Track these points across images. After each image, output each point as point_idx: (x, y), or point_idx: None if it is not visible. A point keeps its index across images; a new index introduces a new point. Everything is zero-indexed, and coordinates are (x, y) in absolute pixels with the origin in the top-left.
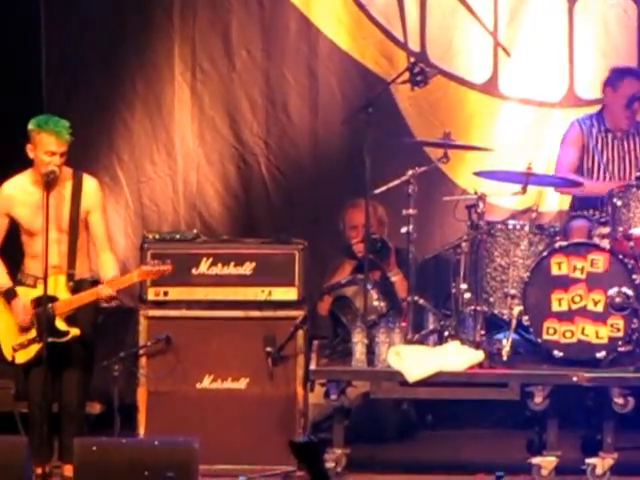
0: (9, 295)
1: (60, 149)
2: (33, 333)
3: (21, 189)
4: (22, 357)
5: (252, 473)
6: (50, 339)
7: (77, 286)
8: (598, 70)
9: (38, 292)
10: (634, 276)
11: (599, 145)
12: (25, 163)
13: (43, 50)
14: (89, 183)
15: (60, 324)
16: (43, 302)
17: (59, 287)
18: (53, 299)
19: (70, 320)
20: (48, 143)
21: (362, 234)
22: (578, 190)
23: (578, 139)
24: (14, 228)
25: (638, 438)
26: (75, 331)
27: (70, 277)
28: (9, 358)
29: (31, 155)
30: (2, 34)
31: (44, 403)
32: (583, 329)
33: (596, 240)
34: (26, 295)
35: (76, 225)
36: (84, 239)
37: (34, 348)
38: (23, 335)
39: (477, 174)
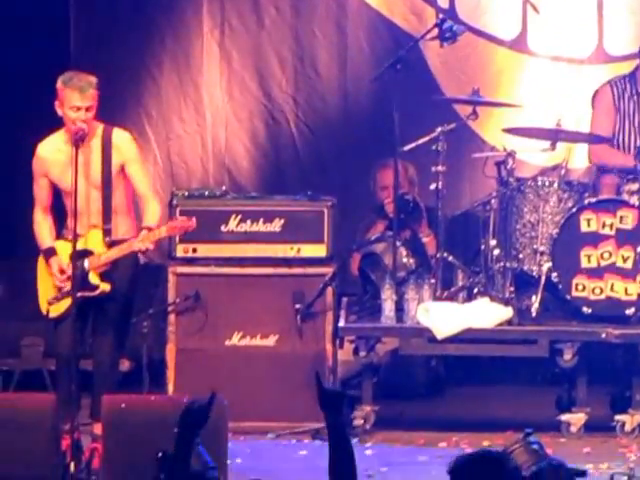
0: (48, 253)
1: (85, 103)
2: (68, 287)
3: (54, 149)
4: (55, 311)
5: (281, 430)
6: (81, 293)
7: (116, 244)
8: (627, 26)
9: (77, 247)
10: None
11: (632, 108)
12: (57, 122)
13: (72, 6)
14: (120, 136)
15: (93, 278)
16: (73, 257)
17: (96, 242)
18: (88, 253)
19: (107, 277)
20: (72, 98)
21: (393, 194)
22: (605, 159)
23: (611, 103)
24: None
25: None
26: (105, 286)
27: (107, 232)
28: (44, 312)
29: (59, 112)
30: None
31: (72, 357)
32: (612, 286)
33: (625, 196)
34: (67, 249)
35: (109, 180)
36: (122, 195)
37: (67, 302)
38: (61, 290)
39: (506, 131)
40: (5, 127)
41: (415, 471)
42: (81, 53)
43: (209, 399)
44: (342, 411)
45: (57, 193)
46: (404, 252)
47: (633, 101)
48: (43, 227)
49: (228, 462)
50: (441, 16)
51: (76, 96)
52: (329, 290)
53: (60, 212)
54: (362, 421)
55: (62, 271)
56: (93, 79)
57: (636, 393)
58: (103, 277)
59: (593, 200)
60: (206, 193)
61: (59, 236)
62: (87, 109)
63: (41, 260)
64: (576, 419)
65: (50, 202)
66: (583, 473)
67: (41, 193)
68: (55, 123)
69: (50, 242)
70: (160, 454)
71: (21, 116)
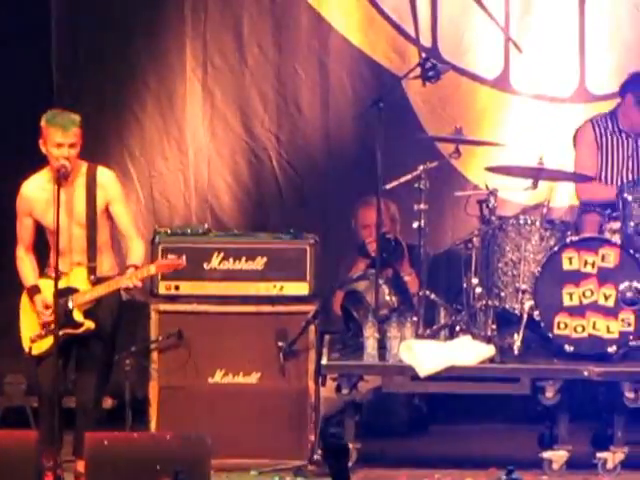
0: (32, 291)
1: (68, 140)
2: (52, 325)
3: (38, 187)
4: (38, 348)
5: (264, 467)
6: (65, 330)
7: (101, 282)
8: (609, 66)
9: (61, 285)
10: None
11: (613, 145)
12: (42, 160)
13: (54, 44)
14: (104, 175)
15: (78, 316)
16: (55, 294)
17: (80, 279)
18: (72, 291)
19: (91, 314)
20: (55, 136)
21: (375, 233)
22: (590, 194)
23: (593, 141)
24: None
25: None
26: (89, 324)
27: (91, 270)
28: (27, 349)
29: (43, 150)
30: (14, 31)
31: (54, 395)
32: (594, 324)
33: (607, 235)
34: (50, 287)
35: (93, 219)
36: (106, 234)
37: (49, 340)
38: (44, 328)
39: (489, 169)
40: None
41: None
42: (64, 92)
43: None
44: (346, 463)
45: (41, 231)
46: (386, 290)
47: (615, 138)
48: (26, 265)
49: None
50: (424, 55)
51: (59, 133)
52: (312, 328)
53: (43, 250)
54: None
55: (47, 307)
56: (76, 117)
57: (617, 431)
58: (87, 315)
59: (575, 238)
60: (188, 230)
61: (42, 274)
62: (70, 146)
63: (24, 298)
64: (558, 456)
65: (33, 240)
66: None
67: (24, 232)
68: (38, 163)
69: (34, 280)
70: None
71: (2, 155)
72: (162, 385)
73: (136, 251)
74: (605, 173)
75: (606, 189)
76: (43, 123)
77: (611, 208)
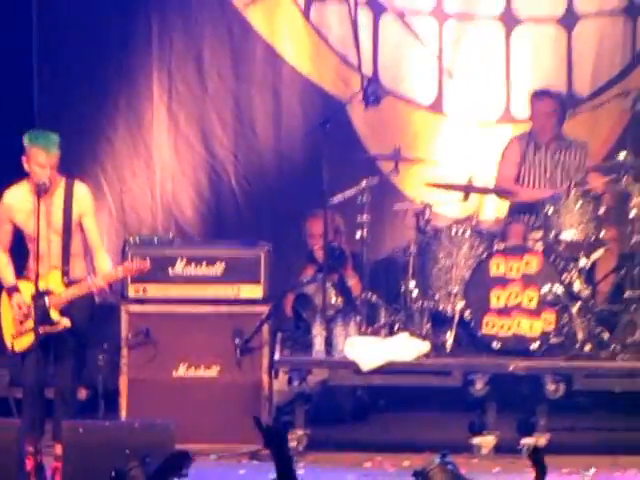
0: (11, 291)
1: (49, 162)
2: (30, 323)
3: (19, 197)
4: (19, 345)
5: (222, 451)
6: (43, 329)
7: (74, 284)
8: (531, 92)
9: (42, 284)
10: (564, 276)
11: (534, 158)
12: (21, 173)
13: (35, 73)
14: (80, 190)
15: (54, 314)
16: (34, 296)
17: (55, 282)
18: (48, 292)
19: (66, 313)
20: (39, 157)
21: (322, 242)
22: (516, 197)
23: (515, 154)
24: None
25: (568, 420)
26: (66, 322)
27: (65, 273)
28: (9, 346)
29: (26, 167)
30: None
31: (36, 387)
32: (519, 323)
33: (530, 243)
34: (28, 288)
35: (69, 228)
36: (78, 242)
37: (30, 337)
38: (22, 325)
39: (429, 185)
40: None
41: None
42: (44, 115)
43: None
44: (286, 445)
45: (18, 236)
46: (333, 293)
47: (536, 152)
48: (3, 266)
49: None
50: (366, 82)
51: (42, 155)
52: (265, 327)
53: (20, 254)
54: (296, 443)
55: (20, 307)
56: (56, 138)
57: (540, 419)
58: (63, 313)
59: (502, 247)
60: (155, 239)
61: (21, 276)
62: (51, 167)
63: (3, 297)
64: (487, 442)
65: (10, 244)
66: None
67: (3, 236)
68: (16, 174)
69: (12, 280)
70: (113, 473)
71: None
72: (131, 378)
73: (103, 261)
74: (528, 180)
75: (529, 192)
76: (27, 142)
77: (535, 214)
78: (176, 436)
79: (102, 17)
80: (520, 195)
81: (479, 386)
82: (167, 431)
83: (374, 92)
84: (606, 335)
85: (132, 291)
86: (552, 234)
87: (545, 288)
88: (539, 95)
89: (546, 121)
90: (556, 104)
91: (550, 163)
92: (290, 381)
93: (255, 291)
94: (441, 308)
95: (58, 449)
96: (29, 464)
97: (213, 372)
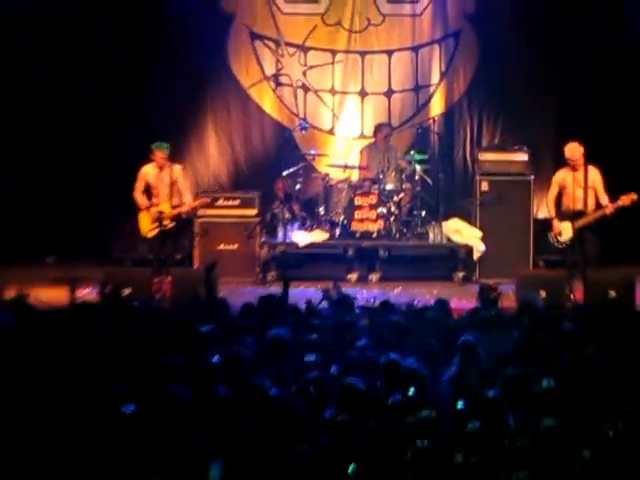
0: (148, 207)
1: (163, 155)
2: (156, 224)
3: (149, 170)
4: (151, 234)
5: (237, 281)
6: (160, 228)
7: (175, 208)
8: (373, 116)
9: (160, 208)
10: (388, 204)
11: (374, 154)
12: (147, 159)
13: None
14: (177, 167)
15: (166, 221)
16: (159, 217)
17: (165, 207)
18: (162, 212)
19: (173, 220)
20: (159, 153)
21: (282, 190)
22: (365, 171)
23: (366, 153)
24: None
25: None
26: (171, 225)
27: (171, 204)
28: (146, 235)
29: (152, 157)
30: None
31: (158, 253)
32: (367, 225)
33: (373, 191)
34: (155, 208)
35: (171, 183)
36: (176, 190)
37: (156, 230)
38: (152, 224)
39: (327, 165)
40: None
41: None
42: (159, 132)
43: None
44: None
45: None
46: (286, 213)
47: (375, 151)
48: (141, 198)
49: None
50: (301, 119)
51: (160, 153)
52: (257, 227)
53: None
54: (271, 278)
55: (153, 215)
56: (167, 144)
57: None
58: (171, 220)
59: (359, 192)
60: (209, 189)
61: (149, 206)
62: (164, 157)
63: (143, 212)
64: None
65: (143, 191)
66: None
67: (140, 185)
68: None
69: (147, 203)
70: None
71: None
72: (200, 250)
73: (187, 198)
74: (371, 168)
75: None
76: (154, 147)
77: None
78: (219, 268)
79: None
80: (367, 171)
81: (350, 252)
82: (215, 263)
83: (304, 125)
84: (405, 229)
85: (199, 212)
86: (381, 187)
87: (380, 210)
88: (378, 126)
89: (381, 138)
90: (387, 130)
91: (382, 158)
92: (268, 251)
93: (254, 211)
94: (334, 218)
95: (168, 280)
96: (155, 287)
97: (235, 246)
